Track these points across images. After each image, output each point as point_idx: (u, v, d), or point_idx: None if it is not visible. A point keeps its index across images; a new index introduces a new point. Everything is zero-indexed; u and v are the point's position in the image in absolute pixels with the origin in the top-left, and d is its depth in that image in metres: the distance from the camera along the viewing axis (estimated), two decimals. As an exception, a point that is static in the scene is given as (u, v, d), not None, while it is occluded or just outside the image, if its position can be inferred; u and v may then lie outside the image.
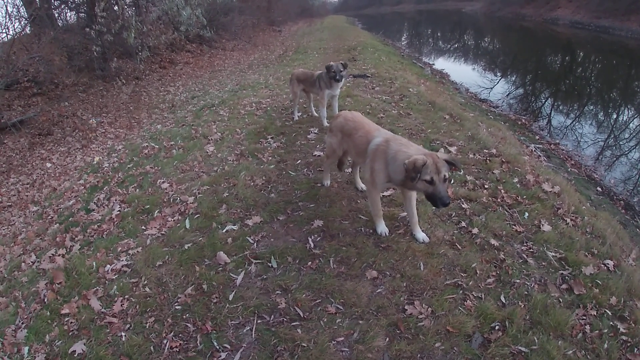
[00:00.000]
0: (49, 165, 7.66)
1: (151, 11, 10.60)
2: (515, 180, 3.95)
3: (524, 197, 3.62)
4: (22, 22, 11.17)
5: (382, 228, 3.03)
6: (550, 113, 11.82)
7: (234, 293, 2.58)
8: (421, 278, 2.63)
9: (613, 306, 2.45)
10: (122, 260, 3.00)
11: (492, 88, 14.73)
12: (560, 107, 12.89)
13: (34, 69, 10.53)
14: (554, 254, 2.92)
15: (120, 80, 10.77)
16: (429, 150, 2.63)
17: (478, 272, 2.68)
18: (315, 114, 6.06)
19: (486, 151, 4.60)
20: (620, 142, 9.04)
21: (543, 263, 2.84)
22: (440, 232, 3.06)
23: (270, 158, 4.55)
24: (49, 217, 4.81)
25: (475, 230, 3.09)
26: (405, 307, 2.40)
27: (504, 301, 2.46)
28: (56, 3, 13.32)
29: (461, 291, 2.52)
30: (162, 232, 3.34)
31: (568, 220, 3.36)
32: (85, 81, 11.74)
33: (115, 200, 4.22)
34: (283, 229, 3.17)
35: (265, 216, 3.34)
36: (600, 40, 25.34)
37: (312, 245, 2.95)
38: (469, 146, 4.73)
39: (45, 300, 2.75)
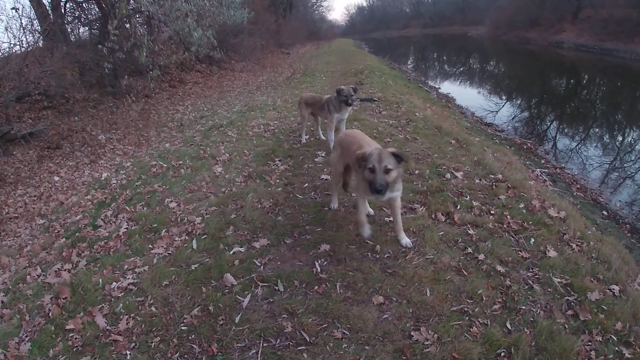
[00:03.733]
0: (56, 178, 7.73)
1: (163, 31, 10.82)
2: (522, 205, 3.95)
3: (530, 222, 3.61)
4: (35, 36, 11.41)
5: (366, 231, 3.15)
6: (556, 136, 11.91)
7: (240, 315, 2.57)
8: (427, 304, 2.62)
9: (618, 331, 2.44)
10: (129, 279, 3.01)
11: (497, 111, 14.86)
12: (566, 130, 12.99)
13: (45, 82, 10.67)
14: (559, 280, 2.91)
15: (130, 97, 10.95)
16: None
17: (484, 298, 2.67)
18: (323, 138, 6.12)
19: (492, 176, 4.61)
20: (626, 165, 9.10)
21: (549, 289, 2.82)
22: (446, 258, 3.05)
23: (277, 181, 4.58)
24: (56, 230, 4.83)
25: (481, 257, 3.08)
26: (412, 333, 2.39)
27: (510, 327, 2.45)
28: (69, 18, 13.65)
29: (467, 317, 2.51)
30: (169, 252, 3.35)
31: (574, 245, 3.35)
32: (96, 97, 11.92)
33: (123, 217, 4.25)
34: (290, 253, 3.18)
35: (272, 239, 3.35)
36: (605, 63, 25.62)
37: (319, 269, 2.95)
38: (475, 171, 4.75)
39: (50, 314, 2.75)
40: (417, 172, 4.61)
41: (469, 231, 3.41)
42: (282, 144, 6.07)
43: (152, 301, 2.75)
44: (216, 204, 4.12)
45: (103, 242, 3.76)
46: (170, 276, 2.98)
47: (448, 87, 20.48)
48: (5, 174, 7.92)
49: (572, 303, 2.69)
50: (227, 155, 5.79)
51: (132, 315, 2.65)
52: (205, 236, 3.51)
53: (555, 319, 2.52)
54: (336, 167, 3.53)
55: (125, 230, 3.89)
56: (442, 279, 2.84)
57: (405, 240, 3.20)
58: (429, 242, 3.21)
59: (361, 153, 2.80)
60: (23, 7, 11.93)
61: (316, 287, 2.78)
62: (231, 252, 3.20)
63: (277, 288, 2.80)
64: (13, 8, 11.27)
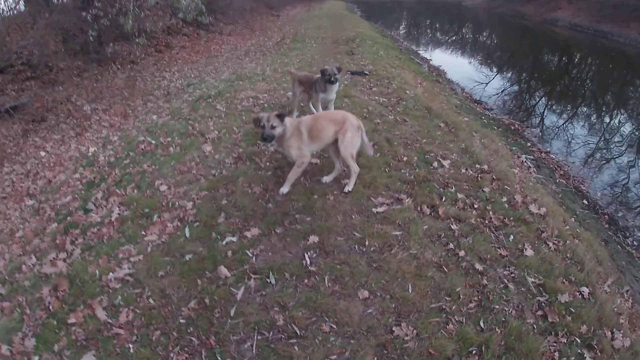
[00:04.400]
0: (43, 154, 7.65)
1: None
2: (504, 199, 4.12)
3: (511, 218, 3.80)
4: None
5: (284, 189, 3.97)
6: (543, 113, 12.22)
7: (235, 308, 2.72)
8: (409, 300, 2.80)
9: (583, 334, 2.66)
10: (125, 269, 3.12)
11: (487, 83, 15.05)
12: (554, 108, 13.29)
13: (28, 51, 10.37)
14: (533, 280, 3.11)
15: (116, 65, 10.70)
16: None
17: (461, 296, 2.86)
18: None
19: (478, 166, 4.76)
20: (610, 148, 9.36)
21: (522, 289, 3.03)
22: (429, 254, 3.22)
23: (267, 164, 4.64)
24: (46, 214, 4.86)
25: (462, 253, 3.26)
26: (393, 329, 2.58)
27: (483, 326, 2.65)
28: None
29: (445, 315, 2.70)
30: (163, 240, 3.45)
31: (551, 244, 3.55)
32: (80, 65, 11.58)
33: (114, 201, 4.30)
34: (280, 243, 3.30)
35: (263, 228, 3.47)
36: (598, 45, 25.76)
37: (309, 261, 3.09)
38: (461, 160, 4.89)
39: (51, 307, 2.86)
40: (405, 159, 4.73)
41: (452, 226, 3.57)
42: (271, 122, 6.09)
43: (149, 293, 2.87)
44: (207, 188, 4.20)
45: (96, 229, 3.84)
46: (166, 267, 3.10)
47: (440, 58, 20.41)
48: (-10, 151, 7.82)
49: (543, 304, 2.91)
50: (216, 132, 5.79)
51: (131, 307, 2.78)
52: (198, 224, 3.61)
53: (525, 319, 2.73)
54: None
55: (118, 215, 3.96)
56: (423, 275, 3.02)
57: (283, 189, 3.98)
58: (414, 236, 3.37)
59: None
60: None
61: (306, 280, 2.94)
62: (224, 242, 3.32)
63: (269, 280, 2.94)
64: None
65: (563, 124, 10.93)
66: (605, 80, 18.24)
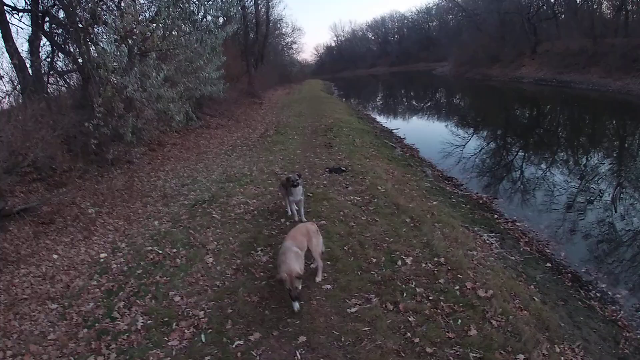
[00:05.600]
0: (55, 256, 8.43)
1: (145, 110, 11.95)
2: (457, 287, 5.13)
3: (460, 304, 4.78)
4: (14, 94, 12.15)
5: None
6: (522, 165, 13.70)
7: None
8: (375, 381, 3.77)
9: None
10: (157, 371, 4.03)
11: (464, 145, 16.67)
12: (531, 159, 14.85)
13: (33, 153, 11.43)
14: (474, 355, 4.07)
15: (116, 170, 11.86)
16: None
17: (415, 376, 3.83)
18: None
19: (436, 259, 5.82)
20: (578, 203, 10.34)
21: (465, 364, 4.01)
22: (390, 343, 4.20)
23: (261, 274, 5.71)
24: (74, 319, 5.64)
25: (417, 340, 4.24)
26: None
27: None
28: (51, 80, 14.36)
29: (402, 394, 3.66)
30: (184, 344, 4.39)
31: (494, 322, 4.52)
32: (81, 166, 12.66)
33: (137, 311, 5.21)
34: (277, 344, 4.28)
35: (263, 332, 4.46)
36: (563, 94, 28.24)
37: (299, 357, 4.07)
38: (422, 255, 5.98)
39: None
40: (374, 260, 5.84)
41: (410, 318, 4.60)
42: (262, 230, 7.23)
43: (181, 392, 3.78)
44: (214, 298, 5.20)
45: (125, 336, 4.71)
46: (190, 368, 4.03)
47: (416, 126, 22.30)
48: (6, 252, 8.58)
49: None
50: (215, 243, 6.87)
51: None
52: (211, 330, 4.58)
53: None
54: None
55: (142, 324, 4.88)
56: (385, 361, 4.00)
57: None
58: (379, 330, 4.38)
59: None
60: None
61: (299, 373, 3.90)
62: (233, 346, 4.28)
63: (271, 375, 3.89)
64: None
65: (538, 178, 12.30)
66: (574, 126, 20.06)
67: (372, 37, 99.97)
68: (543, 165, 14.07)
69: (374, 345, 4.19)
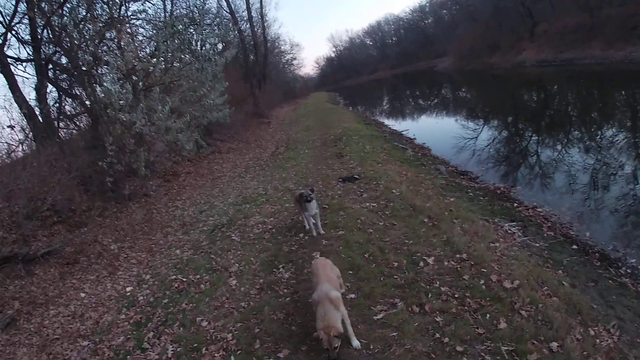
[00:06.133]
0: (82, 295, 8.59)
1: (156, 143, 12.20)
2: (482, 282, 5.08)
3: (487, 299, 4.73)
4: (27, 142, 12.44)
5: (355, 342, 4.27)
6: (537, 150, 13.49)
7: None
8: (407, 386, 3.73)
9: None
10: (194, 397, 4.05)
11: (477, 137, 16.50)
12: (546, 141, 14.59)
13: (51, 197, 11.70)
14: (506, 348, 4.00)
15: (132, 202, 12.08)
16: (329, 325, 3.99)
17: (448, 376, 3.78)
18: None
19: (458, 256, 5.76)
20: (598, 180, 10.16)
21: (497, 357, 3.92)
22: (420, 346, 4.17)
23: (285, 290, 5.73)
24: (106, 354, 5.72)
25: (446, 340, 4.20)
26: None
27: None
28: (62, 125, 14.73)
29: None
30: (215, 368, 4.42)
31: (523, 312, 4.46)
32: (100, 205, 12.91)
33: (166, 339, 5.28)
34: (307, 359, 4.28)
35: (291, 348, 4.46)
36: (568, 72, 27.91)
37: (330, 370, 4.05)
38: (444, 253, 5.92)
39: None
40: (396, 264, 5.79)
41: (437, 318, 4.55)
42: (282, 246, 7.26)
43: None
44: (240, 320, 5.23)
45: (158, 366, 4.79)
46: (225, 390, 4.04)
47: (425, 125, 22.13)
48: (35, 294, 8.78)
49: None
50: (237, 265, 6.92)
51: None
52: (240, 351, 4.60)
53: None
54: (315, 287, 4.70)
55: (172, 352, 4.93)
56: (418, 364, 3.96)
57: (356, 342, 4.31)
58: (407, 334, 4.34)
59: (315, 336, 4.09)
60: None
61: (330, 387, 3.87)
62: (264, 365, 4.29)
63: (305, 390, 3.88)
64: (9, 126, 12.54)
65: (556, 160, 12.14)
66: (583, 102, 19.79)
67: (371, 43, 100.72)
68: (558, 147, 13.81)
69: (404, 349, 4.15)
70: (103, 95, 10.95)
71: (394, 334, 4.38)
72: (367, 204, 8.55)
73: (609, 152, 11.89)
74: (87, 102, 12.46)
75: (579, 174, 10.72)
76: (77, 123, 14.82)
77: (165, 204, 13.84)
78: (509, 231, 7.43)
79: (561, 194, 9.75)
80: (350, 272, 5.86)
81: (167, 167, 14.15)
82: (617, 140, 13.03)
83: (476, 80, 39.99)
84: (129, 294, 7.68)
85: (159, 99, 11.29)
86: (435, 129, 20.95)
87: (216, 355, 4.65)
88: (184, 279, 6.99)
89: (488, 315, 4.49)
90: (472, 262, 5.59)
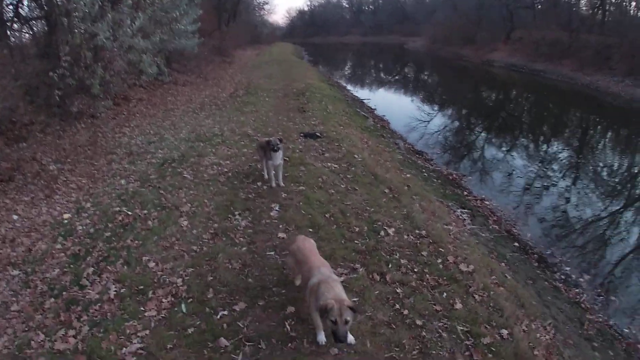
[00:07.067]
0: (15, 217, 7.85)
1: (116, 60, 11.12)
2: (439, 261, 5.12)
3: (444, 278, 4.78)
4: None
5: (321, 337, 3.74)
6: (483, 147, 13.81)
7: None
8: (368, 353, 3.65)
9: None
10: (136, 343, 3.75)
11: (429, 121, 16.81)
12: (493, 141, 15.03)
13: None
14: (462, 328, 4.05)
15: (80, 124, 11.11)
16: (341, 297, 3.32)
17: (406, 346, 3.74)
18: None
19: (417, 232, 5.77)
20: (541, 187, 10.69)
21: (453, 336, 3.94)
22: (380, 315, 4.10)
23: (241, 239, 5.46)
24: (38, 287, 5.17)
25: (406, 312, 4.17)
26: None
27: (423, 369, 3.55)
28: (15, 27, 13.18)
29: (395, 362, 3.58)
30: (162, 315, 4.12)
31: (477, 297, 4.54)
32: (43, 120, 11.74)
33: (108, 278, 4.85)
34: (264, 314, 4.08)
35: (247, 301, 4.24)
36: (533, 82, 28.76)
37: (289, 328, 3.89)
38: (404, 226, 5.90)
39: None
40: (357, 229, 5.68)
41: (397, 289, 4.50)
42: (238, 192, 6.93)
43: (165, 365, 3.54)
44: (192, 265, 4.91)
45: (97, 306, 4.35)
46: (172, 340, 3.77)
47: (383, 98, 22.23)
48: (-37, 213, 7.92)
49: (470, 346, 3.84)
50: (189, 205, 6.51)
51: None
52: (191, 300, 4.31)
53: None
54: (294, 269, 4.32)
55: (115, 293, 4.54)
56: (377, 332, 3.88)
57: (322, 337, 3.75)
58: (368, 301, 4.26)
59: (323, 306, 3.22)
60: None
61: (289, 344, 3.72)
62: (218, 316, 4.05)
63: (260, 346, 3.71)
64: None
65: (499, 161, 12.56)
66: (539, 114, 20.58)
67: (347, 6, 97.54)
68: (504, 148, 14.35)
69: (364, 316, 4.07)
70: (67, 0, 9.67)
71: (355, 299, 4.27)
72: (329, 164, 8.35)
73: (550, 165, 12.54)
74: (46, 7, 10.99)
75: (521, 178, 11.18)
76: (33, 28, 13.18)
77: (112, 128, 12.86)
78: (460, 217, 7.63)
79: (501, 192, 10.15)
80: (311, 230, 5.68)
81: (121, 90, 12.98)
82: (561, 156, 13.73)
83: (442, 67, 40.45)
84: (66, 221, 7.06)
85: (129, 13, 10.15)
86: (392, 104, 20.99)
87: (164, 300, 4.34)
88: (129, 213, 6.49)
89: (445, 294, 4.52)
90: (431, 240, 5.61)
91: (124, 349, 3.71)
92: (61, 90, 10.46)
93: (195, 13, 13.09)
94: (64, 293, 4.80)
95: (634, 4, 31.00)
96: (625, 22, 29.06)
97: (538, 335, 4.27)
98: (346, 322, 3.20)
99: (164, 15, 12.07)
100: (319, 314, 3.39)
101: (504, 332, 4.05)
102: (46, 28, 12.01)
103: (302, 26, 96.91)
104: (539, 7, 39.34)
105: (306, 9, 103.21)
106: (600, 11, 32.34)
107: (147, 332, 3.91)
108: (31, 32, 13.19)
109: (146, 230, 5.90)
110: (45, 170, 9.46)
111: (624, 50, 25.27)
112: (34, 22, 12.87)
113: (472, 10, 44.07)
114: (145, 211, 6.49)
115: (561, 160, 13.15)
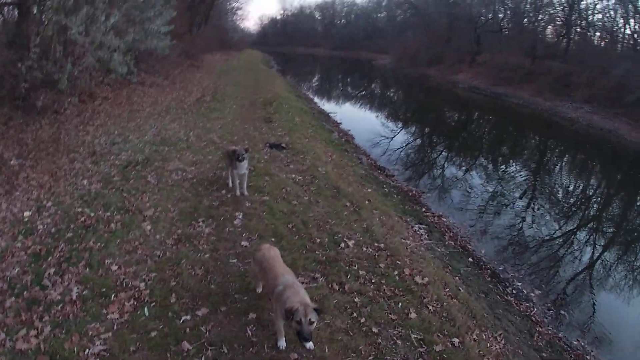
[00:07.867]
0: (-27, 213, 7.62)
1: (85, 56, 10.93)
2: (396, 272, 5.43)
3: (400, 289, 5.10)
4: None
5: (281, 343, 3.92)
6: (444, 165, 14.49)
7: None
8: (326, 358, 3.88)
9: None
10: (98, 345, 3.82)
11: (392, 138, 17.32)
12: (453, 159, 15.65)
13: None
14: (416, 336, 4.36)
15: (44, 119, 10.84)
16: (306, 301, 3.52)
17: (363, 352, 4.00)
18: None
19: (376, 245, 6.08)
20: (496, 206, 11.20)
21: (407, 343, 4.24)
22: (339, 322, 4.36)
23: (204, 246, 5.60)
24: None
25: (363, 320, 4.44)
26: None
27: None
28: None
29: (352, 368, 3.81)
30: (125, 318, 4.20)
31: (430, 307, 4.87)
32: (6, 112, 11.33)
33: (70, 279, 4.85)
34: (226, 320, 4.25)
35: (210, 307, 4.38)
36: (494, 105, 29.61)
37: (250, 334, 4.08)
38: (363, 239, 6.19)
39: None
40: (318, 240, 5.94)
41: (355, 299, 4.78)
42: (202, 200, 7.05)
43: (127, 367, 3.63)
44: (155, 269, 5.01)
45: (59, 307, 4.35)
46: (135, 343, 3.87)
47: (349, 112, 22.75)
48: None
49: (423, 353, 4.14)
50: (153, 209, 6.57)
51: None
52: (154, 304, 4.42)
53: (409, 366, 3.93)
54: (256, 279, 4.55)
55: (77, 294, 4.55)
56: (335, 338, 4.13)
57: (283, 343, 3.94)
58: (327, 310, 4.49)
59: (289, 308, 3.37)
60: None
61: (250, 349, 3.90)
62: (181, 321, 4.17)
63: (222, 350, 3.86)
64: None
65: (459, 179, 13.07)
66: (498, 136, 21.38)
67: (319, 18, 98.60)
68: (464, 167, 15.01)
69: (323, 323, 4.30)
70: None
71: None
72: (294, 175, 8.58)
73: (507, 186, 13.24)
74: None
75: (479, 197, 11.76)
76: (2, 14, 12.72)
77: (76, 126, 12.53)
78: (418, 232, 7.99)
79: (458, 210, 10.61)
80: (273, 239, 5.87)
81: (88, 87, 12.74)
82: (518, 177, 14.54)
83: (408, 85, 41.37)
84: (27, 219, 6.88)
85: (103, 9, 10.04)
86: (357, 119, 21.46)
87: (126, 304, 4.42)
88: (92, 214, 6.46)
89: (400, 304, 4.83)
90: (389, 253, 5.93)
91: (87, 350, 3.78)
92: (27, 82, 10.15)
93: (169, 14, 13.02)
94: (25, 292, 4.72)
95: (598, 34, 32.95)
96: (588, 50, 30.64)
97: (488, 344, 4.64)
98: (311, 322, 3.38)
99: (139, 14, 11.96)
100: (285, 317, 3.49)
101: (456, 340, 4.39)
102: (17, 16, 11.64)
103: (273, 34, 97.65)
104: (506, 32, 41.03)
105: (279, 17, 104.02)
106: (565, 39, 34.01)
107: (110, 334, 3.98)
108: (1, 17, 12.75)
109: (109, 233, 5.91)
110: (5, 165, 9.14)
111: (584, 78, 26.69)
112: (5, 8, 12.43)
113: (442, 31, 45.42)
114: (108, 213, 6.47)
115: (518, 181, 13.88)
